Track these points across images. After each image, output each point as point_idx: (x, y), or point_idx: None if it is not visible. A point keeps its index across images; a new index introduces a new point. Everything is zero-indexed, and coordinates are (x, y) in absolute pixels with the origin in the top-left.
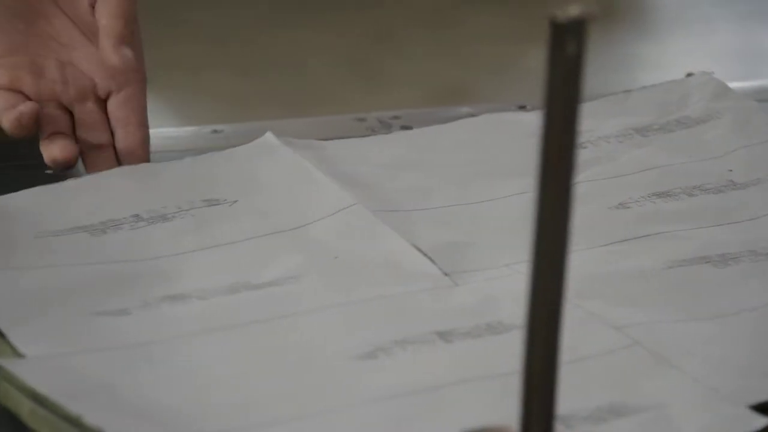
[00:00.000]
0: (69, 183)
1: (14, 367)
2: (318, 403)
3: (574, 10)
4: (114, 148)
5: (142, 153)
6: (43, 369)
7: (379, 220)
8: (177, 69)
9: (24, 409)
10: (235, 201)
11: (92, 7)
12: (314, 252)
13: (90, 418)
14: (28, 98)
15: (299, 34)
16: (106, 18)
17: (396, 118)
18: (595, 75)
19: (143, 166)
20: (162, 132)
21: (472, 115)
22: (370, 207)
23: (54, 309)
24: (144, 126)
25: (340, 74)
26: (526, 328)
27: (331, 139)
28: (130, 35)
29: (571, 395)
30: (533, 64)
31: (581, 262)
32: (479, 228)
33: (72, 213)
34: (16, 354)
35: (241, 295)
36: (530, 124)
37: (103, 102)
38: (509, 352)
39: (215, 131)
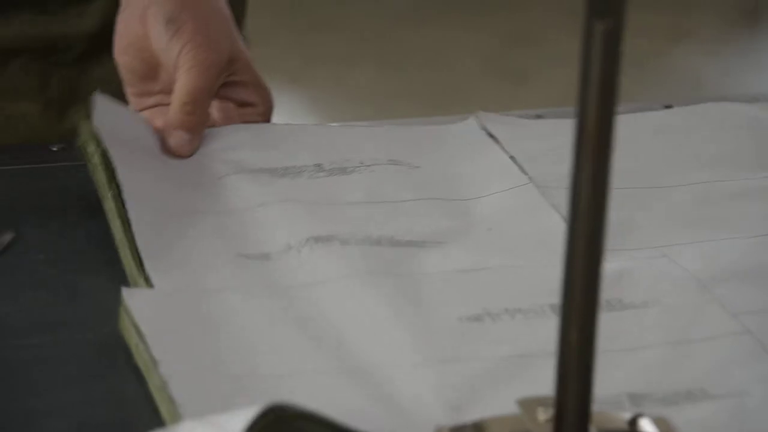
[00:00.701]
0: (261, 127)
1: (131, 298)
2: (410, 356)
3: None
4: None
5: None
6: (158, 303)
7: (545, 200)
8: (320, 65)
9: (132, 341)
10: (418, 167)
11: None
12: (469, 222)
13: (167, 367)
14: None
15: (441, 31)
16: (173, 101)
17: (539, 117)
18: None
19: (332, 126)
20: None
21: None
22: (544, 184)
23: (201, 246)
24: None
25: (481, 73)
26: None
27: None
28: (194, 116)
29: (656, 375)
30: (678, 62)
31: (728, 249)
32: (647, 211)
33: (259, 154)
34: (148, 284)
35: (381, 248)
36: (739, 114)
37: None
38: (615, 330)
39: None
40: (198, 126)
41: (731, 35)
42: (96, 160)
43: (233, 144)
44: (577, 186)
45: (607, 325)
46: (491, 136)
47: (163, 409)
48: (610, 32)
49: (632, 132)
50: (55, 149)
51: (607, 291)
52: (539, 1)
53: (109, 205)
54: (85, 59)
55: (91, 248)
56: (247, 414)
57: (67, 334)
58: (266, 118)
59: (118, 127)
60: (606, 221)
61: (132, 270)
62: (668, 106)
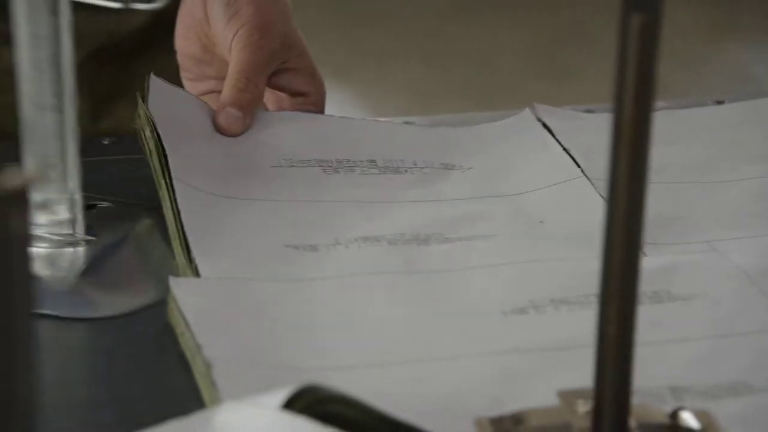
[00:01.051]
0: (316, 117)
1: (177, 288)
2: (451, 349)
3: None
4: None
5: None
6: (203, 292)
7: (597, 193)
8: (367, 60)
9: (179, 330)
10: (470, 168)
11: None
12: (522, 216)
13: (210, 350)
14: None
15: (487, 27)
16: (227, 80)
17: (589, 111)
18: None
19: (388, 123)
20: None
21: (667, 109)
22: (596, 177)
23: (249, 235)
24: None
25: (527, 68)
26: (600, 300)
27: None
28: (246, 93)
29: (699, 368)
30: (729, 58)
31: None
32: (698, 205)
33: (313, 145)
34: (196, 273)
35: (429, 247)
36: None
37: None
38: (662, 321)
39: (407, 123)
40: (250, 104)
41: None
42: (151, 146)
43: (287, 133)
44: (615, 180)
45: (654, 317)
46: (546, 127)
47: (206, 395)
48: (646, 25)
49: (683, 128)
50: (106, 142)
51: (654, 283)
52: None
53: (163, 194)
54: (134, 55)
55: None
56: (285, 393)
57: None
58: (319, 108)
59: (173, 110)
60: (643, 215)
61: (181, 258)
62: (720, 102)
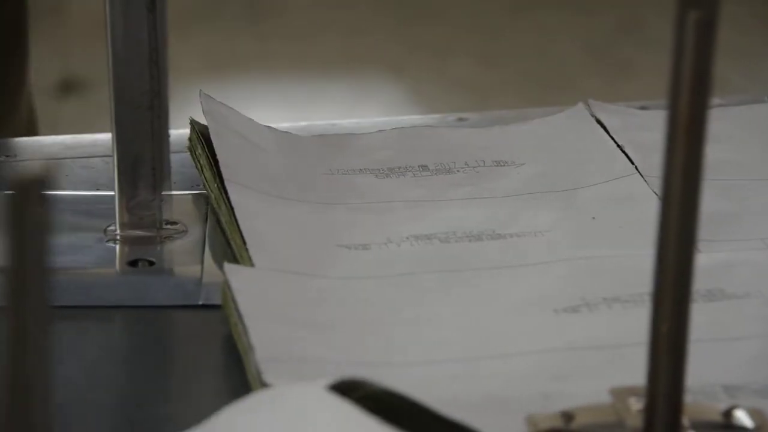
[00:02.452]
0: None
1: (232, 273)
2: (502, 346)
3: None
4: None
5: None
6: (258, 282)
7: (651, 189)
8: (422, 56)
9: (232, 319)
10: (522, 164)
11: None
12: (575, 212)
13: (262, 351)
14: None
15: (542, 22)
16: None
17: (644, 108)
18: None
19: (437, 128)
20: (406, 120)
21: (722, 106)
22: (651, 174)
23: (303, 235)
24: None
25: (582, 63)
26: (654, 298)
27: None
28: None
29: (753, 367)
30: None
31: None
32: (752, 203)
33: (362, 157)
34: (250, 263)
35: (482, 243)
36: None
37: None
38: (714, 320)
39: (460, 119)
40: None
41: None
42: (203, 161)
43: (336, 148)
44: (670, 177)
45: (707, 315)
46: (600, 123)
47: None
48: (704, 22)
49: (739, 124)
50: None
51: (708, 281)
52: None
53: (217, 200)
54: None
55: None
56: (330, 382)
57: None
58: None
59: (224, 123)
60: (698, 212)
61: (239, 249)
62: None
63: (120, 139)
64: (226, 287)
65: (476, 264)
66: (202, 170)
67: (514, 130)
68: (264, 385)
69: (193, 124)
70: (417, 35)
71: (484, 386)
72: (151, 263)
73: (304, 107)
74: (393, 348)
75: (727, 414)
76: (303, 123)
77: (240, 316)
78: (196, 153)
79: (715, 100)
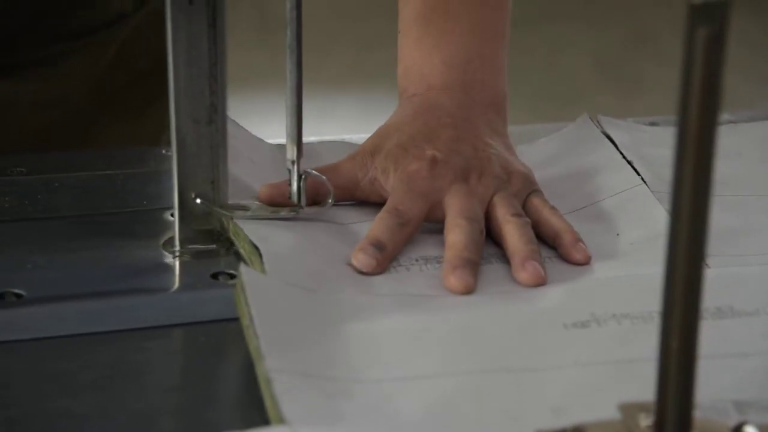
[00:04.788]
0: None
1: (247, 274)
2: (512, 361)
3: None
4: None
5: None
6: (271, 289)
7: (657, 201)
8: None
9: (244, 321)
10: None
11: None
12: (597, 229)
13: (272, 361)
14: None
15: (550, 35)
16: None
17: (653, 124)
18: None
19: None
20: None
21: (732, 122)
22: (659, 189)
23: (314, 250)
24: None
25: (592, 77)
26: (663, 314)
27: None
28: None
29: (764, 382)
30: None
31: None
32: (762, 218)
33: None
34: (263, 271)
35: (489, 265)
36: None
37: None
38: (724, 336)
39: None
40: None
41: None
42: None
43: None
44: (679, 193)
45: (717, 332)
46: (610, 140)
47: (267, 401)
48: (713, 38)
49: (747, 141)
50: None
51: (718, 298)
52: (653, 3)
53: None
54: None
55: None
56: None
57: None
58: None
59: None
60: (707, 227)
61: (251, 255)
62: None
63: (181, 154)
64: (239, 288)
65: (483, 283)
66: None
67: (524, 150)
68: (273, 397)
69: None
70: None
71: (495, 401)
72: (232, 276)
73: (313, 122)
74: (402, 363)
75: (737, 430)
76: (313, 138)
77: (251, 321)
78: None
79: (724, 116)
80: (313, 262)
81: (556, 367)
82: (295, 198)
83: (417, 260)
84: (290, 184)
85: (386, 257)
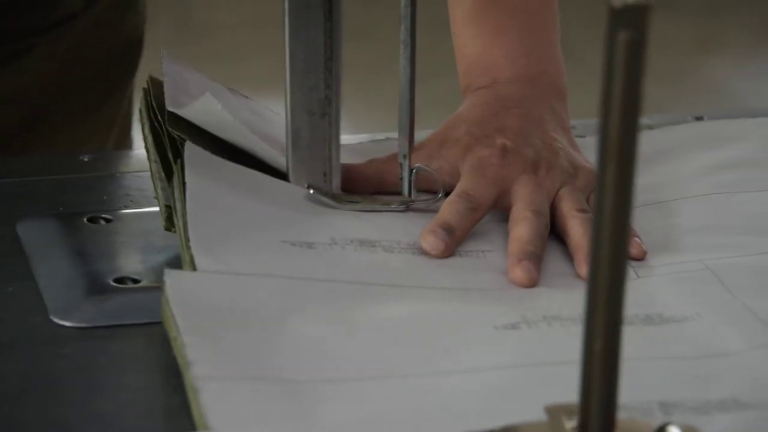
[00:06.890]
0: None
1: (171, 278)
2: (441, 363)
3: None
4: None
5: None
6: (195, 289)
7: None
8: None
9: (171, 332)
10: None
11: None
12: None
13: (199, 368)
14: None
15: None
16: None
17: (571, 128)
18: None
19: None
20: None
21: (649, 127)
22: None
23: (246, 229)
24: None
25: None
26: (587, 316)
27: None
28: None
29: (688, 384)
30: (709, 74)
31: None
32: (686, 222)
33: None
34: (192, 266)
35: (424, 258)
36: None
37: None
38: (651, 340)
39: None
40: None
41: (762, 48)
42: (149, 143)
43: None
44: (602, 197)
45: (645, 337)
46: None
47: (194, 411)
48: (633, 42)
49: (669, 144)
50: (85, 159)
51: (647, 306)
52: (570, 13)
53: (165, 192)
54: None
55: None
56: None
57: None
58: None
59: (184, 88)
60: (628, 233)
61: (183, 253)
62: (699, 118)
63: (295, 146)
64: (164, 300)
65: (415, 279)
66: (147, 153)
67: None
68: (200, 407)
69: (142, 98)
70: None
71: (422, 403)
72: None
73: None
74: (332, 363)
75: (661, 430)
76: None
77: (178, 331)
78: (143, 133)
79: (643, 121)
80: (244, 241)
81: (485, 369)
82: (406, 191)
83: (351, 241)
84: (401, 177)
85: (455, 241)
